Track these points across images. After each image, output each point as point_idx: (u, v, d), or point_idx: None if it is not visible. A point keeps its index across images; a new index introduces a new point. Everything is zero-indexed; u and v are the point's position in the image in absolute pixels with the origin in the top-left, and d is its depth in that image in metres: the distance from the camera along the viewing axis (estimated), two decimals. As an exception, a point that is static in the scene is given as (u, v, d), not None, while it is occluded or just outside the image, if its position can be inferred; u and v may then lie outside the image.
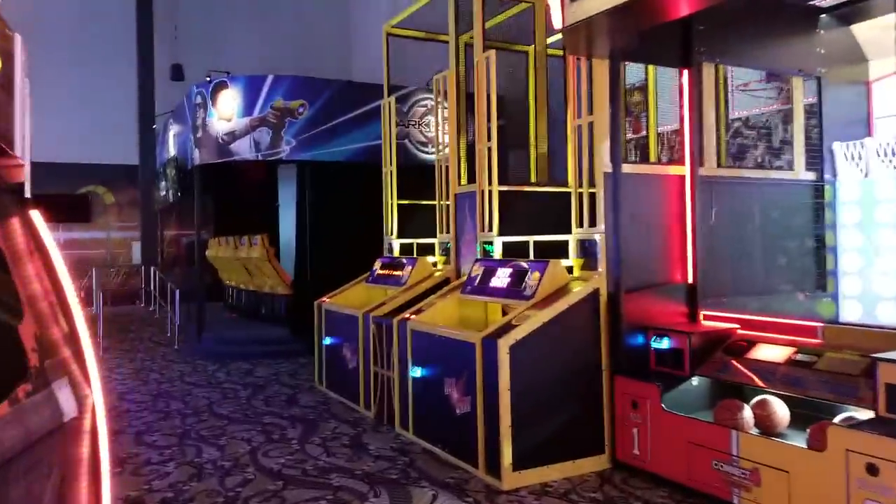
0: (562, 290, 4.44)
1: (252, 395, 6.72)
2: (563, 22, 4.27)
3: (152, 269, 13.59)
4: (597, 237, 4.53)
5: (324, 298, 7.14)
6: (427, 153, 10.00)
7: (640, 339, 4.45)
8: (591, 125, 4.60)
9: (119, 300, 14.87)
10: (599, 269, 4.47)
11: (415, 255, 7.05)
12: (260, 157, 9.20)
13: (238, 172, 10.66)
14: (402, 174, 7.57)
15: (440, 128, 6.45)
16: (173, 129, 11.39)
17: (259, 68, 10.93)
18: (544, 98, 6.71)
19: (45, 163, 15.50)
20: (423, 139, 10.06)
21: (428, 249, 7.06)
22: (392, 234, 7.42)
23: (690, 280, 4.70)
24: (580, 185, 4.64)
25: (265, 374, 7.78)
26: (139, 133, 15.34)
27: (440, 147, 6.40)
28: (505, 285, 4.74)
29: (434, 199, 6.41)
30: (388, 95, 7.63)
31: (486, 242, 5.46)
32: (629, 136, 8.26)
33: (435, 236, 6.53)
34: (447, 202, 6.18)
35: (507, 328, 4.15)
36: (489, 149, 5.38)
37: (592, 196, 4.56)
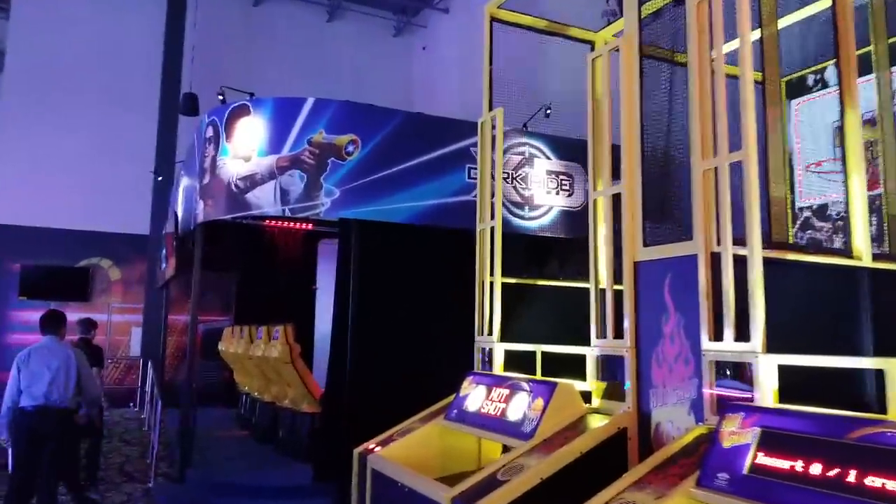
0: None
1: None
2: None
3: (150, 363, 10.63)
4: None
5: (371, 445, 4.03)
6: (524, 218, 7.08)
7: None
8: None
9: (115, 401, 11.91)
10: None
11: (539, 375, 4.01)
12: (288, 213, 6.34)
13: (262, 234, 7.90)
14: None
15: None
16: (183, 182, 8.73)
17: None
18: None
19: (44, 228, 13.29)
20: (519, 198, 7.14)
21: (566, 365, 3.99)
22: (491, 334, 4.37)
23: None
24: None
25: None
26: (153, 195, 12.85)
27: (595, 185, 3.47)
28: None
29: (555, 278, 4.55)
30: (490, 110, 4.74)
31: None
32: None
33: (574, 339, 3.76)
34: (600, 286, 3.27)
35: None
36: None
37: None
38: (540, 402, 3.31)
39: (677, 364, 2.62)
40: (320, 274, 9.68)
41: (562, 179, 7.38)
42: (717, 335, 2.37)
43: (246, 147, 6.47)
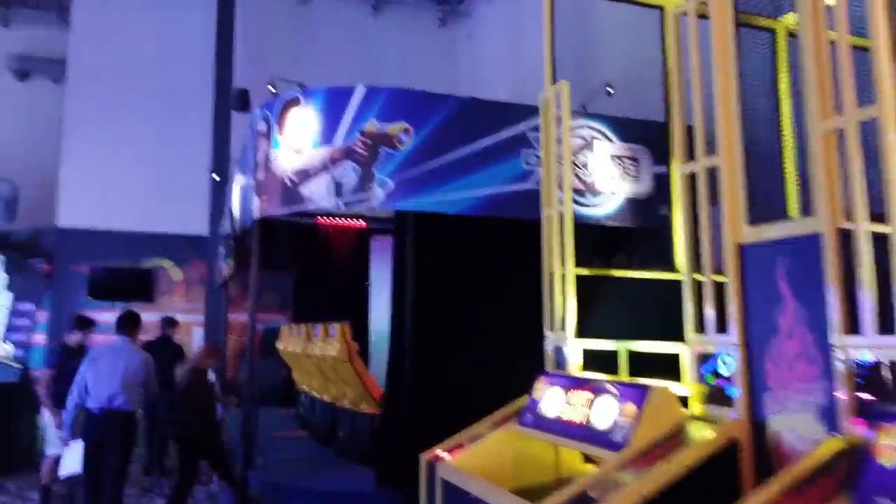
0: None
1: None
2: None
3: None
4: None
5: (439, 451, 3.74)
6: (586, 206, 6.65)
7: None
8: None
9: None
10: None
11: (624, 376, 3.63)
12: (343, 207, 6.10)
13: (316, 230, 7.71)
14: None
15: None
16: (238, 180, 8.63)
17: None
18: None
19: (108, 231, 13.58)
20: (580, 185, 6.71)
21: (647, 364, 3.61)
22: (564, 329, 4.01)
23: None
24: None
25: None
26: (211, 196, 12.90)
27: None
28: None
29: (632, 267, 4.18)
30: (553, 82, 4.36)
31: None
32: None
33: (652, 336, 3.71)
34: (693, 276, 2.88)
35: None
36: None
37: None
38: (631, 407, 2.97)
39: (798, 362, 2.22)
40: (373, 271, 9.51)
41: (626, 164, 6.91)
42: (853, 327, 1.96)
43: (298, 139, 6.26)
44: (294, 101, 6.37)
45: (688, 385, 3.14)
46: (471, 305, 5.80)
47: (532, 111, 6.50)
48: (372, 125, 6.06)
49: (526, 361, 4.37)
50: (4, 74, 15.45)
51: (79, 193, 13.24)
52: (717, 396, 2.96)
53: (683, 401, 3.08)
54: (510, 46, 13.56)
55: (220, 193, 12.35)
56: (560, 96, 4.16)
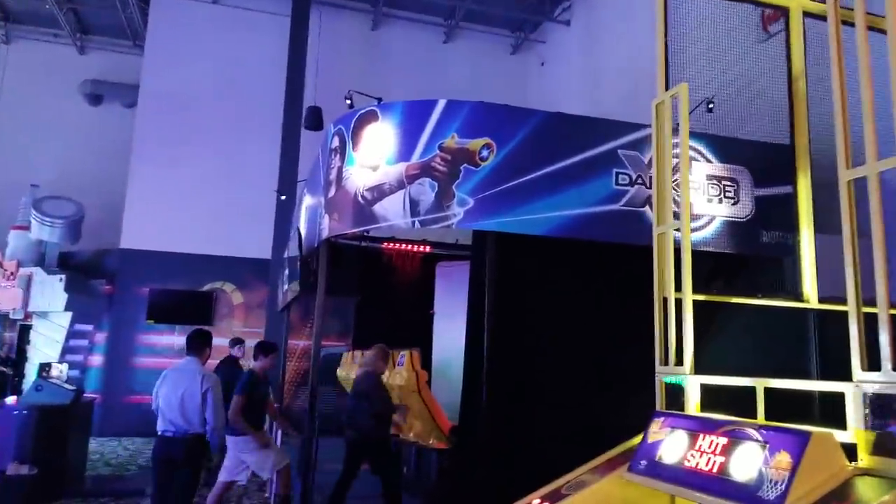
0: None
1: None
2: None
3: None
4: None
5: (535, 500, 3.26)
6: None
7: None
8: None
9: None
10: None
11: (759, 418, 3.12)
12: (418, 225, 5.74)
13: (380, 255, 7.39)
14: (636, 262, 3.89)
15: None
16: (305, 201, 8.41)
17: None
18: None
19: (170, 253, 13.57)
20: (675, 207, 6.18)
21: (781, 405, 3.08)
22: (681, 364, 3.52)
23: None
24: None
25: None
26: (276, 218, 12.80)
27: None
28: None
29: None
30: (667, 90, 3.95)
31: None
32: None
33: (781, 372, 3.21)
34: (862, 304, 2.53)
35: None
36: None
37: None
38: (785, 457, 2.49)
39: None
40: (438, 297, 9.19)
41: (725, 185, 6.37)
42: None
43: (373, 155, 5.97)
44: (370, 116, 6.10)
45: (852, 431, 2.62)
46: (556, 334, 5.33)
47: (624, 128, 6.10)
48: (452, 140, 5.71)
49: (620, 397, 3.90)
50: (78, 99, 15.90)
51: (143, 215, 13.36)
52: (890, 446, 2.46)
53: (851, 450, 2.58)
54: (584, 72, 13.23)
55: (285, 216, 12.25)
56: (679, 100, 3.72)
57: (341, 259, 8.32)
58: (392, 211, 5.77)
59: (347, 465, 5.86)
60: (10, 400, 7.85)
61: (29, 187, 13.64)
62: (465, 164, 5.70)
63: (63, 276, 12.52)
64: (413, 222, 5.72)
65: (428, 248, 9.15)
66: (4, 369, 12.04)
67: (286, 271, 10.21)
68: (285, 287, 10.14)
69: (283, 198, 12.24)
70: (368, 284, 10.25)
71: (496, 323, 5.24)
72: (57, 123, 15.56)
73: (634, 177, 6.07)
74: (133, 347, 12.97)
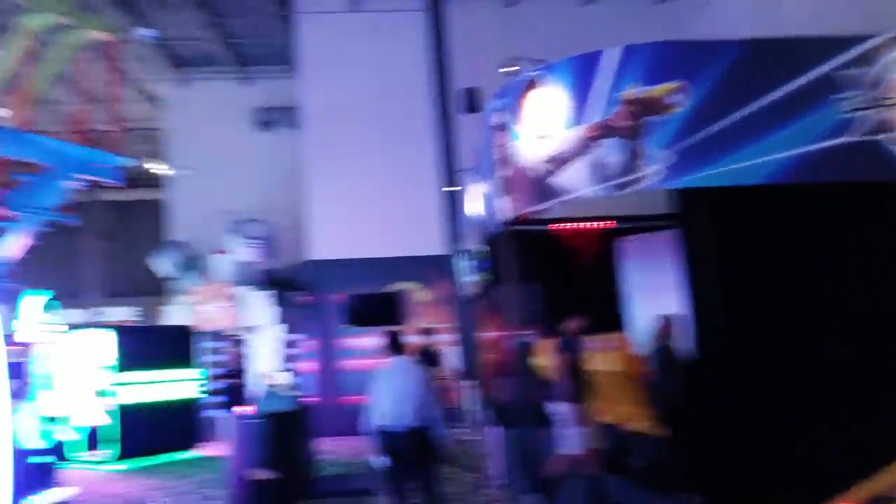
0: None
1: None
2: None
3: (467, 383, 10.21)
4: None
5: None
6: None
7: None
8: None
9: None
10: None
11: None
12: (609, 191, 5.10)
13: (559, 239, 6.85)
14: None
15: None
16: (474, 190, 8.05)
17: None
18: None
19: (355, 259, 13.97)
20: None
21: None
22: None
23: None
24: None
25: None
26: (446, 212, 12.65)
27: None
28: None
29: None
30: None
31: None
32: None
33: None
34: None
35: None
36: None
37: None
38: None
39: None
40: (626, 276, 8.59)
41: None
42: None
43: (544, 123, 5.41)
44: (533, 82, 5.54)
45: None
46: (798, 300, 4.44)
47: (840, 44, 5.03)
48: (634, 90, 4.99)
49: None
50: (249, 127, 17.00)
51: (326, 227, 13.90)
52: None
53: None
54: (755, 17, 11.72)
55: (455, 208, 12.05)
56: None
57: (520, 245, 7.95)
58: (576, 180, 5.18)
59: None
60: (242, 409, 8.38)
61: (223, 214, 14.70)
62: (652, 115, 4.96)
63: (268, 292, 13.39)
64: (602, 189, 5.09)
65: (612, 224, 8.55)
66: (235, 381, 13.10)
67: (466, 263, 9.98)
68: (468, 279, 9.92)
69: (452, 189, 12.03)
70: (550, 269, 9.78)
71: (725, 292, 4.46)
72: (235, 153, 16.81)
73: (861, 99, 4.98)
74: (337, 351, 13.58)
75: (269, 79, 17.33)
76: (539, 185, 5.37)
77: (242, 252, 13.58)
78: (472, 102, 8.06)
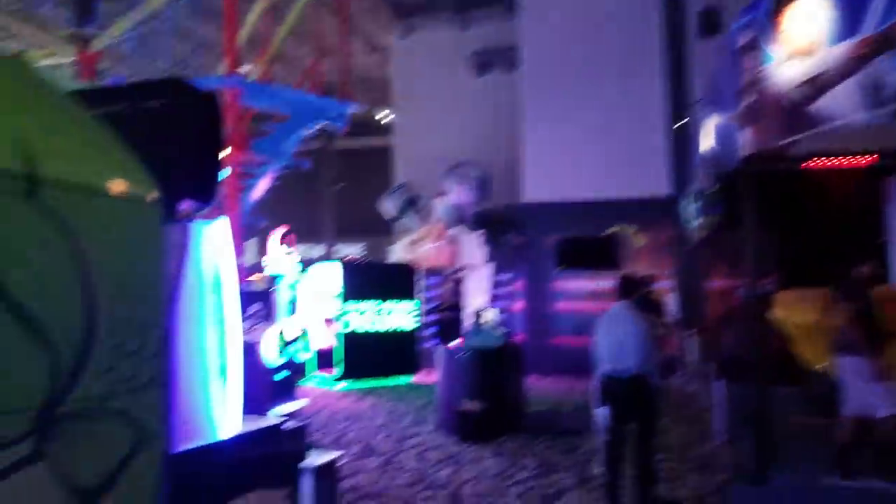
0: None
1: None
2: None
3: (691, 333, 9.58)
4: None
5: None
6: None
7: None
8: None
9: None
10: None
11: None
12: (891, 118, 4.25)
13: (809, 177, 5.96)
14: None
15: None
16: (710, 122, 7.29)
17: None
18: None
19: (571, 202, 13.67)
20: None
21: None
22: None
23: None
24: None
25: None
26: (672, 152, 11.78)
27: None
28: None
29: None
30: None
31: None
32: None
33: None
34: None
35: None
36: None
37: None
38: None
39: None
40: (891, 221, 7.35)
41: None
42: None
43: (804, 40, 4.62)
44: (789, -6, 4.73)
45: None
46: None
47: None
48: (926, -10, 4.05)
49: None
50: (467, 72, 17.17)
51: (541, 169, 13.73)
52: None
53: None
54: None
55: (684, 146, 11.18)
56: None
57: (761, 186, 7.12)
58: (841, 105, 4.38)
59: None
60: (455, 343, 8.72)
61: (441, 158, 15.16)
62: (954, 19, 3.99)
63: (481, 232, 13.77)
64: (876, 116, 4.26)
65: (874, 157, 7.24)
66: (449, 315, 13.77)
67: (694, 206, 9.21)
68: (695, 223, 9.16)
69: (682, 125, 11.11)
70: (794, 213, 8.67)
71: None
72: (454, 97, 17.16)
73: None
74: (548, 293, 13.56)
75: (488, 22, 17.31)
76: (793, 114, 4.64)
77: (458, 194, 14.04)
78: (712, 24, 7.19)
